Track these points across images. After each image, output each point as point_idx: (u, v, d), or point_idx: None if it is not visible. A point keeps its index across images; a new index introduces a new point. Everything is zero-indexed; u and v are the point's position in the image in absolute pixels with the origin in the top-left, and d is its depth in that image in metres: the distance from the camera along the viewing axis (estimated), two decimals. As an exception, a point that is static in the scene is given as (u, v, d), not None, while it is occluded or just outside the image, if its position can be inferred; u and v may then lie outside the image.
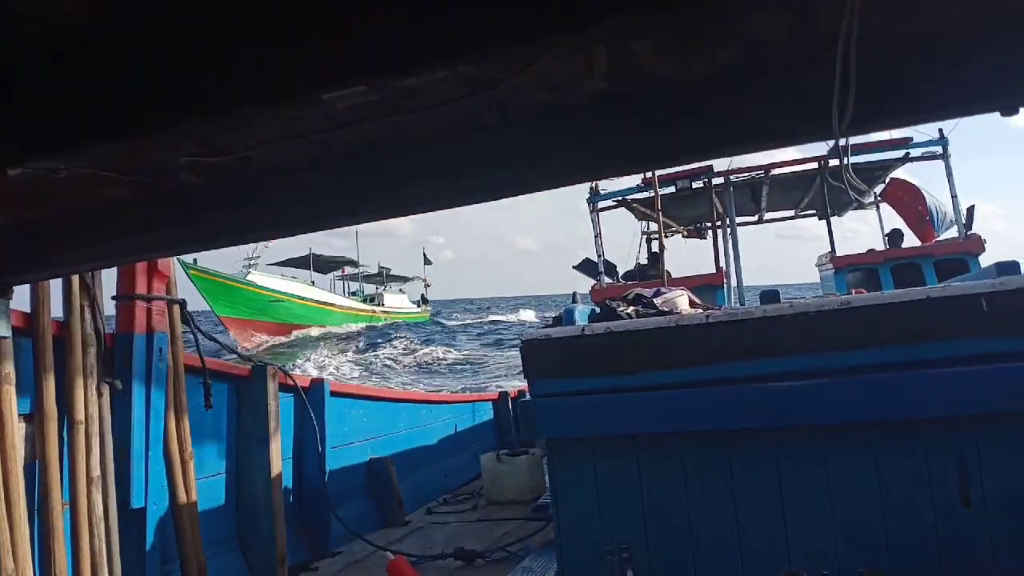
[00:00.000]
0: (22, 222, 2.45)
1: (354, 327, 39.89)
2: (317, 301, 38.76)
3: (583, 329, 3.81)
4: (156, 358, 3.54)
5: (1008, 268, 3.75)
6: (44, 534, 3.07)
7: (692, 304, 4.73)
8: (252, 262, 36.89)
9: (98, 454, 3.25)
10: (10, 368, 2.93)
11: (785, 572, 3.13)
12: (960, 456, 3.26)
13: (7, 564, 2.86)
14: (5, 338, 2.77)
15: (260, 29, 1.43)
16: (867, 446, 3.38)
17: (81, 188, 2.15)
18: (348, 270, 46.87)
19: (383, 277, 49.50)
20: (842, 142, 1.41)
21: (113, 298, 3.52)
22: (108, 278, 3.49)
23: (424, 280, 52.42)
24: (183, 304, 3.78)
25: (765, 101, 1.54)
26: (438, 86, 1.55)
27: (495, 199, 1.99)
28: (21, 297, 3.04)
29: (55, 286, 3.23)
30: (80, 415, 3.20)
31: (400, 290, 51.56)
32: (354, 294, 46.95)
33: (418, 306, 51.64)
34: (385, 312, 45.43)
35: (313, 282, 41.56)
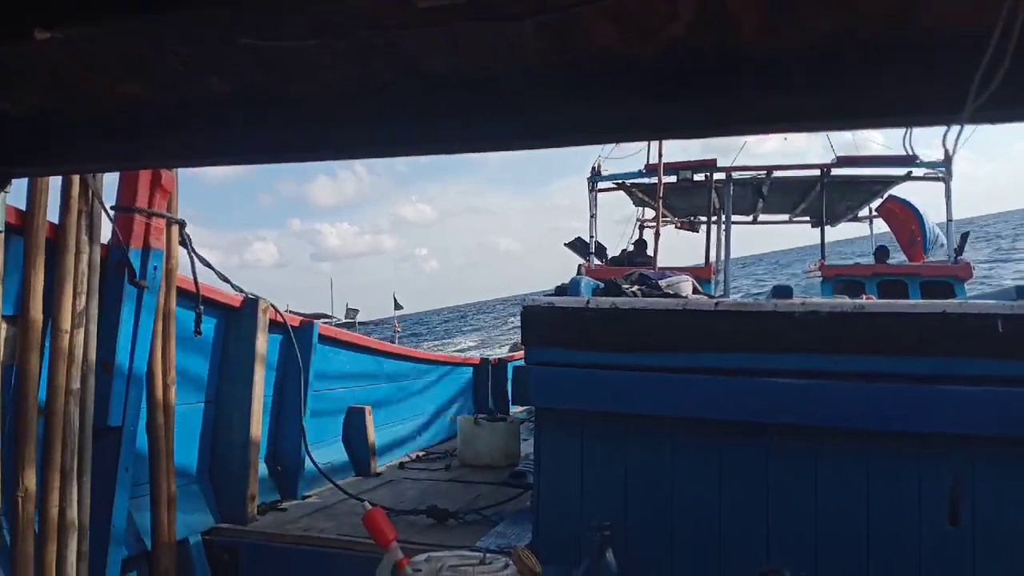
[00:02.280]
0: (29, 109, 2.30)
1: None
2: None
3: (588, 302, 3.74)
4: (150, 274, 3.41)
5: (1028, 291, 3.72)
6: (15, 440, 2.95)
7: (695, 291, 4.67)
8: None
9: (80, 365, 3.13)
10: (-1, 265, 2.79)
11: (766, 568, 3.10)
12: (954, 474, 3.24)
13: (-26, 467, 2.75)
14: (-1, 232, 2.63)
15: None
16: (861, 452, 3.35)
17: (96, 78, 2.01)
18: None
19: (351, 316, 49.03)
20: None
21: (112, 208, 3.37)
22: (109, 188, 3.35)
23: (396, 326, 52.35)
24: (183, 224, 3.65)
25: (862, 78, 1.44)
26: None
27: (551, 147, 1.88)
28: (17, 194, 2.90)
29: (53, 188, 3.08)
30: (66, 323, 3.07)
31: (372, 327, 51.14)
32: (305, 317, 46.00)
33: None
34: None
35: None
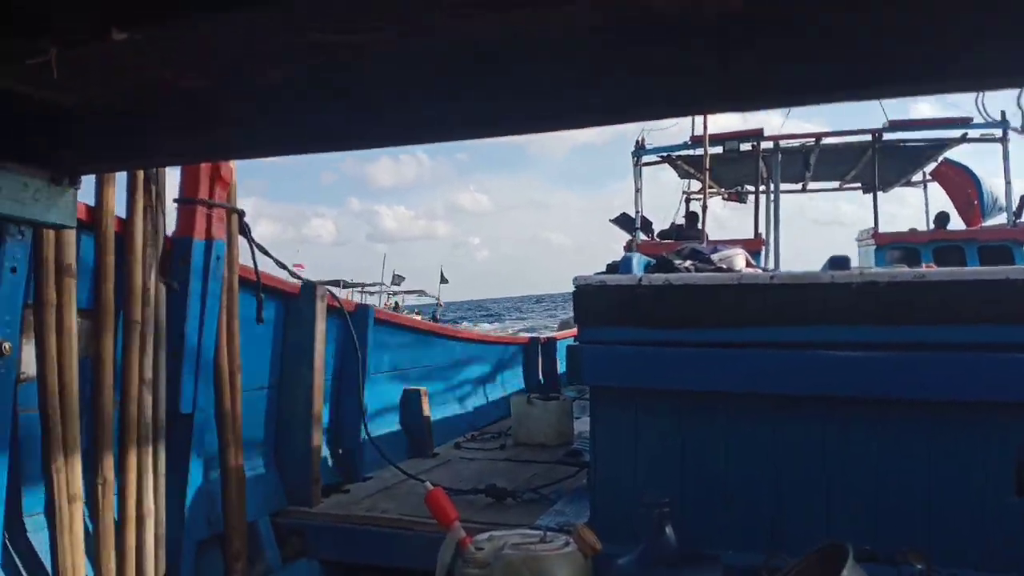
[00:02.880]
0: (94, 106, 2.37)
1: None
2: None
3: (640, 279, 3.73)
4: (214, 264, 3.51)
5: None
6: (94, 430, 3.08)
7: (748, 264, 4.64)
8: None
9: (152, 355, 3.24)
10: (72, 260, 2.90)
11: (826, 543, 3.09)
12: (1020, 445, 3.18)
13: (57, 458, 2.88)
14: (71, 228, 2.72)
15: None
16: (922, 424, 3.31)
17: (164, 73, 2.06)
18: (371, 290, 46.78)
19: (396, 283, 49.36)
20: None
21: (175, 201, 3.47)
22: (170, 182, 3.45)
23: (438, 300, 52.16)
24: (242, 213, 3.74)
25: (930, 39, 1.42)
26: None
27: (597, 124, 1.89)
28: (87, 190, 3.00)
29: (119, 183, 3.18)
30: (137, 315, 3.18)
31: (418, 311, 51.49)
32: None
33: None
34: None
35: None
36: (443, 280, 50.99)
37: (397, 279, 48.14)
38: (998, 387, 3.17)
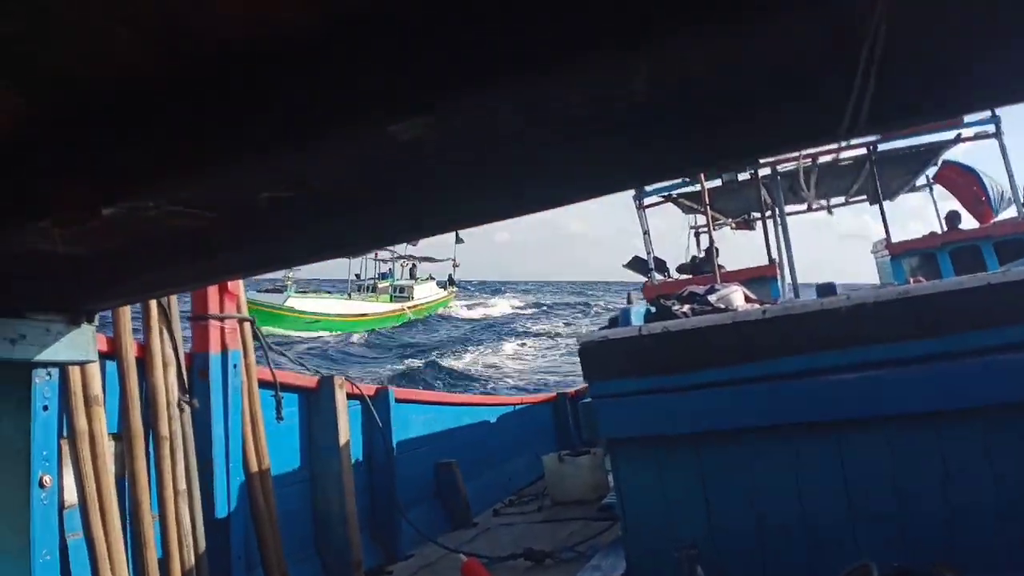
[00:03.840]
0: (102, 252, 2.58)
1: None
2: (352, 315, 39.72)
3: (640, 330, 3.86)
4: (231, 374, 3.70)
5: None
6: (137, 545, 3.24)
7: (747, 299, 4.75)
8: (289, 275, 37.78)
9: (183, 467, 3.42)
10: (98, 390, 3.11)
11: (856, 565, 3.14)
12: (1027, 446, 3.22)
13: (105, 574, 3.03)
14: (92, 362, 2.92)
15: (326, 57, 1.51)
16: (933, 437, 3.36)
17: (161, 221, 2.27)
18: (381, 254, 47.41)
19: (413, 272, 49.91)
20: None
21: (189, 318, 3.69)
22: (183, 302, 3.66)
23: (453, 261, 52.31)
24: (253, 322, 3.95)
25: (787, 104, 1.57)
26: (486, 107, 1.62)
27: (544, 209, 2.05)
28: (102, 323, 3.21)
29: (134, 311, 3.40)
30: (165, 431, 3.37)
31: (430, 276, 51.86)
32: (384, 276, 47.98)
33: (444, 288, 52.05)
34: (413, 307, 46.32)
35: (350, 295, 42.80)
36: (458, 240, 51.29)
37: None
38: (1004, 391, 3.23)
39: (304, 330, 34.99)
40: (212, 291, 3.68)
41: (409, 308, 45.71)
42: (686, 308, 4.27)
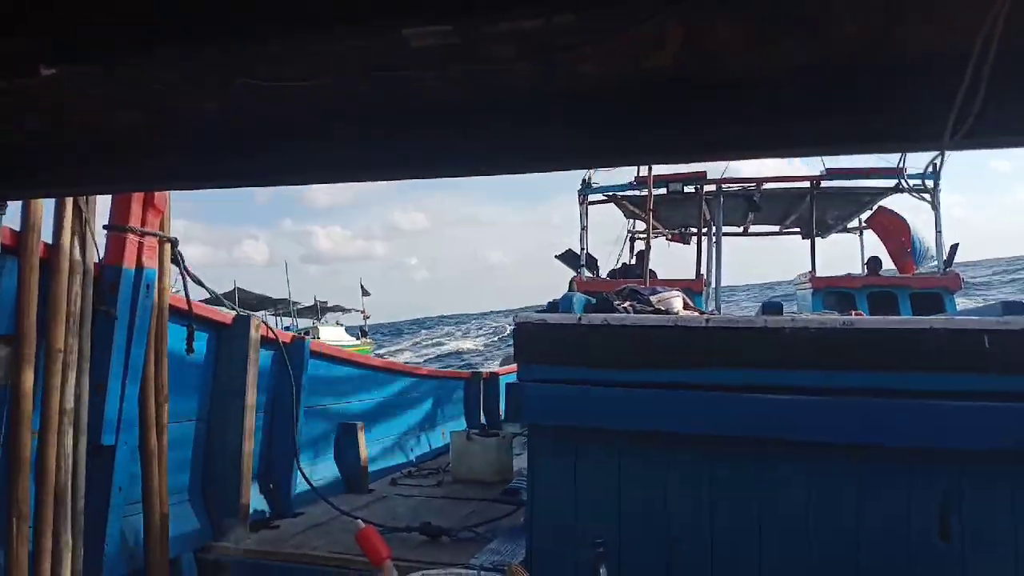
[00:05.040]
0: (24, 134, 2.32)
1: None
2: None
3: (580, 318, 3.75)
4: (143, 294, 3.42)
5: (1013, 307, 3.76)
6: (10, 463, 2.95)
7: (686, 306, 4.71)
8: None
9: (73, 385, 3.13)
10: (-7, 286, 2.81)
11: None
12: (944, 489, 3.26)
13: (-32, 488, 2.75)
14: (-7, 253, 2.64)
15: None
16: (852, 469, 3.37)
17: (95, 107, 2.03)
18: (280, 307, 45.70)
19: (317, 311, 48.36)
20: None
21: (105, 227, 3.39)
22: (101, 208, 3.37)
23: (363, 312, 51.02)
24: (175, 243, 3.66)
25: (848, 103, 1.48)
26: (505, 44, 1.47)
27: (543, 171, 1.91)
28: (11, 216, 2.92)
29: (47, 211, 3.10)
30: (60, 343, 3.07)
31: (337, 322, 50.11)
32: (287, 329, 44.91)
33: (356, 338, 50.67)
34: None
35: None
36: (364, 293, 50.11)
37: (319, 303, 46.98)
38: (923, 434, 3.25)
39: None
40: (135, 203, 3.37)
41: None
42: (627, 304, 4.19)
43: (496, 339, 51.42)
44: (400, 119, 1.85)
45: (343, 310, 49.75)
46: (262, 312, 43.39)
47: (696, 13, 1.52)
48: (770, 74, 1.57)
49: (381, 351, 52.51)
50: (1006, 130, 1.26)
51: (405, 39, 1.28)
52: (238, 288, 39.52)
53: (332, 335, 45.64)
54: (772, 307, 4.30)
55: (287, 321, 45.76)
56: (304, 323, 46.29)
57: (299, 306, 46.42)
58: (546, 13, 1.21)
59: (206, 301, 4.46)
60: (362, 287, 50.49)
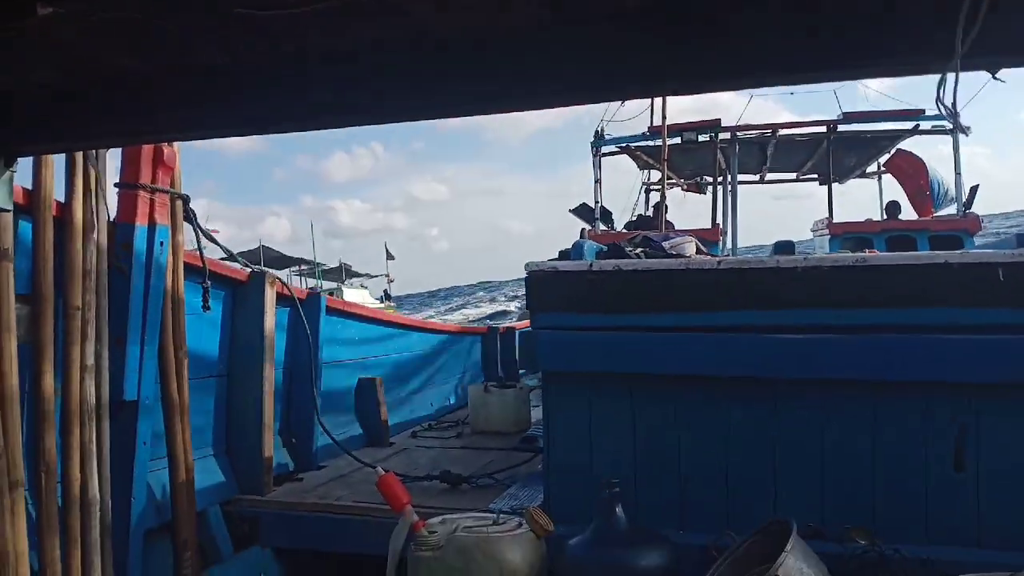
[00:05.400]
0: (30, 87, 2.33)
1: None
2: None
3: (591, 265, 3.76)
4: (157, 251, 3.45)
5: (1030, 239, 3.73)
6: (34, 418, 3.02)
7: (699, 251, 4.69)
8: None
9: (93, 342, 3.19)
10: (9, 244, 2.84)
11: (770, 521, 3.15)
12: (959, 422, 3.27)
13: (-4, 444, 2.82)
14: (6, 211, 2.67)
15: None
16: (866, 404, 3.39)
17: (101, 51, 2.03)
18: (304, 267, 45.57)
19: (343, 273, 48.20)
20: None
21: (116, 185, 3.41)
22: (112, 166, 3.39)
23: (388, 276, 50.77)
24: (186, 199, 3.68)
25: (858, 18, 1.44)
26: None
27: (542, 107, 1.90)
28: (23, 174, 2.93)
29: (58, 168, 3.12)
30: (77, 300, 3.12)
31: (362, 285, 50.00)
32: (312, 290, 44.86)
33: (380, 302, 50.48)
34: None
35: None
36: (389, 256, 50.09)
37: (344, 266, 47.01)
38: (937, 367, 3.26)
39: None
40: (145, 159, 3.39)
41: None
42: (639, 251, 4.18)
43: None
44: (399, 56, 1.84)
45: (369, 276, 49.82)
46: (286, 270, 43.83)
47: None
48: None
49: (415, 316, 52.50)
50: (1014, 47, 1.24)
51: None
52: (263, 246, 39.82)
53: (356, 297, 45.80)
54: (784, 247, 4.27)
55: (311, 282, 46.02)
56: (329, 285, 46.51)
57: (324, 267, 46.59)
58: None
59: (224, 260, 4.49)
60: (387, 250, 50.44)
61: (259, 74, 2.07)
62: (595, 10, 1.64)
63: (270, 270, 4.48)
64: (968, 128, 10.25)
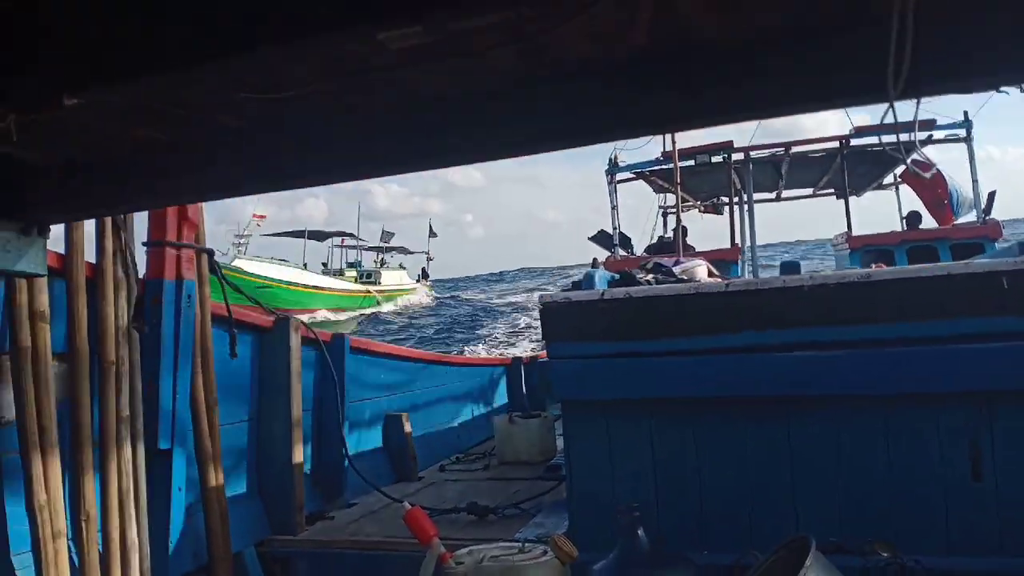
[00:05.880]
0: (59, 161, 2.50)
1: (345, 313, 38.68)
2: (306, 286, 37.11)
3: (603, 293, 3.86)
4: (184, 304, 3.61)
5: (1031, 247, 3.77)
6: (74, 470, 3.17)
7: (711, 274, 4.78)
8: (243, 241, 36.35)
9: (127, 395, 3.33)
10: (45, 307, 3.01)
11: (792, 538, 3.20)
12: (973, 431, 3.30)
13: (40, 497, 2.96)
14: (42, 276, 2.83)
15: None
16: (880, 419, 3.43)
17: (121, 128, 2.19)
18: (347, 241, 45.95)
19: (385, 240, 48.21)
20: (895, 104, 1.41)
21: (144, 244, 3.59)
22: (139, 226, 3.56)
23: (428, 254, 50.79)
24: (211, 253, 3.85)
25: (812, 63, 1.56)
26: (486, 34, 1.58)
27: (534, 153, 2.02)
28: (55, 240, 3.11)
29: (88, 231, 3.30)
30: (111, 356, 3.28)
31: (401, 265, 50.12)
32: (352, 265, 45.83)
33: (417, 281, 50.20)
34: (381, 291, 43.42)
35: (305, 265, 40.45)
36: (432, 234, 50.22)
37: (386, 236, 47.28)
38: (948, 378, 3.30)
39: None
40: (171, 217, 3.57)
41: (377, 291, 42.99)
42: (650, 277, 4.28)
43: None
44: (395, 116, 1.98)
45: (407, 252, 49.72)
46: (328, 241, 43.98)
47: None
48: (740, 38, 1.66)
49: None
50: (948, 76, 1.34)
51: (382, 42, 1.40)
52: (307, 230, 40.38)
53: (394, 279, 45.99)
54: (790, 266, 4.34)
55: (352, 255, 46.17)
56: (368, 262, 46.65)
57: (365, 245, 46.78)
58: (508, 5, 1.31)
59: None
60: (431, 227, 50.61)
61: (271, 132, 2.22)
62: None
63: (293, 317, 4.62)
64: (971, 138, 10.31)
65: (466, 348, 27.10)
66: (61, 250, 3.18)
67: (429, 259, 51.56)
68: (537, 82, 1.90)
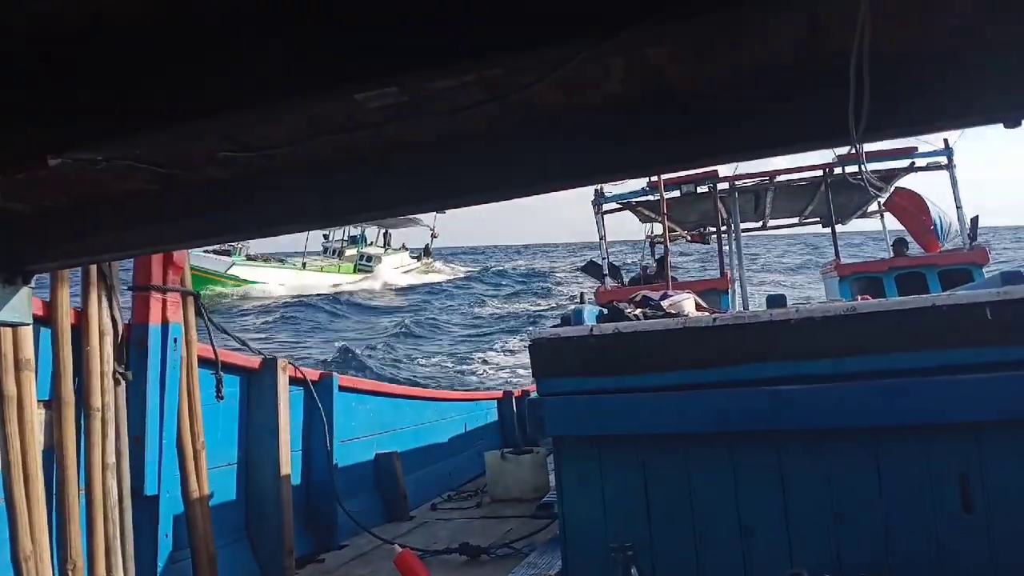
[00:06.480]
0: (44, 210, 2.50)
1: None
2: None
3: (591, 329, 3.86)
4: (170, 348, 3.60)
5: (1013, 277, 3.80)
6: (60, 517, 3.13)
7: (699, 307, 4.79)
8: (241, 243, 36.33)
9: (113, 441, 3.31)
10: (30, 355, 2.99)
11: (788, 573, 3.18)
12: (962, 462, 3.30)
13: (25, 545, 2.92)
14: (27, 325, 2.81)
15: (290, 24, 1.47)
16: (870, 451, 3.42)
17: (107, 179, 2.20)
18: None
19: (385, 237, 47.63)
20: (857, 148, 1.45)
21: (129, 289, 3.58)
22: (124, 270, 3.56)
23: (432, 230, 50.28)
24: (197, 296, 3.84)
25: (778, 107, 1.59)
26: (463, 90, 1.60)
27: (511, 198, 2.04)
28: (39, 287, 3.10)
29: (72, 278, 3.29)
30: (96, 403, 3.25)
31: (403, 245, 49.82)
32: (353, 240, 45.52)
33: (419, 260, 49.74)
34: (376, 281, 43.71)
35: (304, 265, 40.56)
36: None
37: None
38: (935, 410, 3.30)
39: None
40: (156, 261, 3.57)
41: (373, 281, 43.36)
42: (638, 311, 4.28)
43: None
44: (374, 168, 2.00)
45: (418, 223, 48.92)
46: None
47: (632, 44, 1.65)
48: (707, 88, 1.69)
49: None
50: (909, 120, 1.38)
51: (360, 103, 1.42)
52: None
53: (395, 261, 45.56)
54: (776, 300, 4.37)
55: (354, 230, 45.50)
56: (372, 235, 46.52)
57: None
58: (476, 68, 1.34)
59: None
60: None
61: (259, 185, 2.23)
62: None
63: (281, 356, 4.60)
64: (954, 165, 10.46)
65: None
66: (46, 295, 3.17)
67: (433, 235, 51.05)
68: (513, 131, 1.93)
